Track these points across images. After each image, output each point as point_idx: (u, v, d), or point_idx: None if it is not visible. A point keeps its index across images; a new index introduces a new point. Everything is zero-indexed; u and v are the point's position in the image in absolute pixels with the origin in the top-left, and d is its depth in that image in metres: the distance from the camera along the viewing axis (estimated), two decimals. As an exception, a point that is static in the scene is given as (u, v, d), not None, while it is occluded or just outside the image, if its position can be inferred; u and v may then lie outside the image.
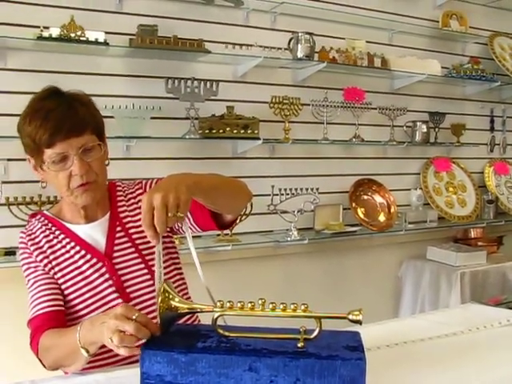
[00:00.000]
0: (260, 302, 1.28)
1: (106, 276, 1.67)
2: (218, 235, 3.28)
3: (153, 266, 1.61)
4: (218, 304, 1.29)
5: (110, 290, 1.66)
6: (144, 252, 1.72)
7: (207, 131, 3.20)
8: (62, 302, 1.65)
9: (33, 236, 1.71)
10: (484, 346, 1.67)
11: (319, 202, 3.55)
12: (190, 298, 1.84)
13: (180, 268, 1.86)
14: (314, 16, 3.61)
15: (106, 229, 1.73)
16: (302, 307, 1.27)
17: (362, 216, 3.87)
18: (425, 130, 4.10)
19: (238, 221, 2.97)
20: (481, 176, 4.60)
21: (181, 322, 1.40)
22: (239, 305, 1.28)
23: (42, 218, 1.75)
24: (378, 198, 3.99)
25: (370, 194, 3.97)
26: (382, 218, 3.96)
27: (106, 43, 2.87)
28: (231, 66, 3.43)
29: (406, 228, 3.98)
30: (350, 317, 1.26)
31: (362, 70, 3.82)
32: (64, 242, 1.70)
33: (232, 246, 3.23)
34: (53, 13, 2.87)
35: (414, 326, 1.89)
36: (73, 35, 2.78)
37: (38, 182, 2.87)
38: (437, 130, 4.21)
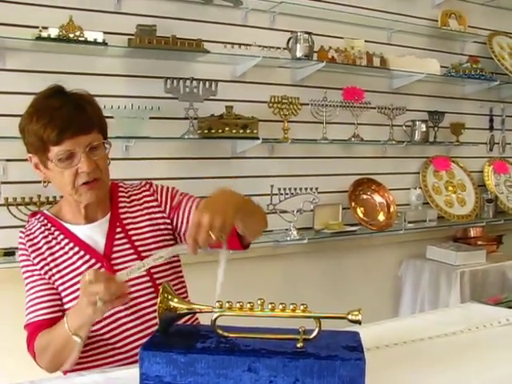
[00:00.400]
0: (259, 302, 1.28)
1: None
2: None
3: (150, 268, 1.58)
4: (217, 304, 1.29)
5: None
6: (143, 254, 1.71)
7: (206, 131, 3.20)
8: (58, 308, 1.66)
9: (32, 236, 1.71)
10: (484, 345, 1.67)
11: (318, 202, 3.55)
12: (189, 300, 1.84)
13: (180, 271, 1.85)
14: (312, 15, 3.61)
15: (106, 230, 1.73)
16: (301, 307, 1.27)
17: (361, 215, 3.87)
18: (424, 129, 4.09)
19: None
20: (480, 175, 4.60)
21: (181, 322, 1.40)
22: (238, 305, 1.28)
23: (42, 218, 1.75)
24: (378, 198, 3.99)
25: (369, 193, 3.97)
26: (381, 217, 3.96)
27: (104, 43, 2.87)
28: (230, 65, 3.42)
29: (406, 227, 3.98)
30: (350, 317, 1.26)
31: (361, 70, 3.82)
32: (63, 243, 1.69)
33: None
34: (51, 13, 2.86)
35: (414, 326, 1.89)
36: (71, 35, 2.78)
37: (37, 182, 2.88)
38: (436, 129, 4.20)
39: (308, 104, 3.59)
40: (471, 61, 4.28)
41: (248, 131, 3.28)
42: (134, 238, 1.74)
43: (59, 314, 1.64)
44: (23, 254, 1.71)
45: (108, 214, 1.75)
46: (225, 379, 1.21)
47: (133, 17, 3.09)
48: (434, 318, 1.99)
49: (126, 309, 1.65)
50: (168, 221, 1.80)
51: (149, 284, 1.70)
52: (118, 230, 1.73)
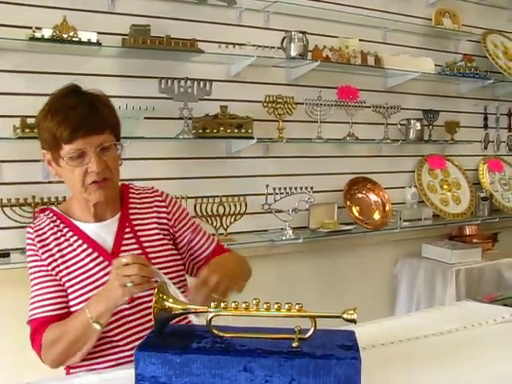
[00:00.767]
0: (254, 301, 1.28)
1: None
2: (213, 235, 3.26)
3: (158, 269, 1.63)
4: (213, 304, 1.29)
5: None
6: (150, 255, 1.74)
7: (201, 131, 3.19)
8: (63, 305, 1.67)
9: (40, 232, 1.73)
10: (479, 343, 1.67)
11: (314, 201, 3.55)
12: None
13: (182, 270, 1.87)
14: (307, 15, 3.61)
15: (115, 229, 1.75)
16: (297, 307, 1.27)
17: (356, 214, 3.87)
18: (419, 127, 4.10)
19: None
20: (475, 173, 4.61)
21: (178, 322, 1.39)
22: (233, 305, 1.28)
23: (51, 214, 1.76)
24: (373, 197, 3.99)
25: (364, 192, 3.97)
26: (376, 216, 3.96)
27: (98, 43, 2.86)
28: (224, 65, 3.42)
29: (401, 226, 3.98)
30: (345, 316, 1.26)
31: (355, 69, 3.82)
32: (71, 240, 1.71)
33: (227, 246, 3.23)
34: (45, 13, 2.85)
35: (410, 325, 1.89)
36: (65, 36, 2.77)
37: (31, 183, 2.88)
38: (431, 127, 4.21)
39: (303, 103, 3.59)
40: (465, 59, 4.28)
41: (243, 131, 3.28)
42: (143, 238, 1.77)
43: (64, 310, 1.66)
44: (31, 250, 1.72)
45: (118, 213, 1.78)
46: (220, 379, 1.21)
47: (127, 17, 3.08)
48: (430, 317, 1.99)
49: (130, 307, 1.66)
50: (172, 230, 1.85)
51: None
52: (127, 229, 1.76)
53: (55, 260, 1.69)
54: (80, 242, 1.71)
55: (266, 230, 3.56)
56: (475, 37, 4.44)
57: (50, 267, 1.69)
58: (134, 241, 1.75)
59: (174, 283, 1.73)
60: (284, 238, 3.46)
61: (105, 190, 1.67)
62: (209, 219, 3.26)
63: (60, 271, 1.68)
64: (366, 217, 3.92)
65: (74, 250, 1.70)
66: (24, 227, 2.80)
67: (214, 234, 3.25)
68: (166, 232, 1.83)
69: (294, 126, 3.61)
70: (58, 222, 1.74)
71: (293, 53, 3.48)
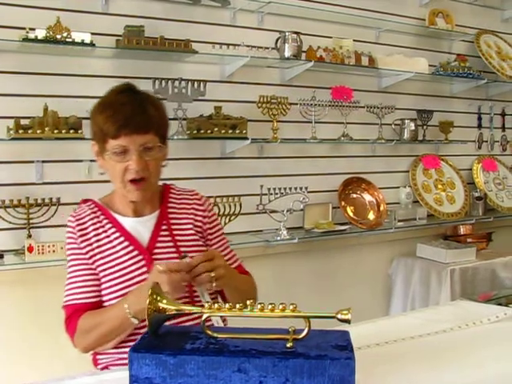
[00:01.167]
0: (248, 302, 1.28)
1: (144, 269, 1.74)
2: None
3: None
4: (207, 305, 1.29)
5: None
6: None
7: (195, 132, 3.19)
8: (97, 293, 1.75)
9: (81, 221, 1.80)
10: (474, 342, 1.67)
11: (308, 201, 3.55)
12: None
13: None
14: (301, 15, 3.61)
15: (153, 226, 1.82)
16: (291, 307, 1.27)
17: (351, 214, 3.87)
18: (413, 127, 4.10)
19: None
20: (469, 173, 4.62)
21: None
22: (227, 306, 1.28)
23: (93, 206, 1.84)
24: (367, 197, 4.00)
25: (359, 192, 3.98)
26: (371, 216, 3.97)
27: (92, 44, 2.86)
28: (218, 65, 3.42)
29: (396, 226, 3.99)
30: (339, 316, 1.26)
31: (349, 69, 3.83)
32: (109, 232, 1.78)
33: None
34: (38, 14, 2.84)
35: (405, 324, 1.89)
36: (59, 37, 2.77)
37: (25, 184, 2.87)
38: (425, 127, 4.22)
39: (297, 104, 3.59)
40: (459, 59, 4.29)
41: (237, 131, 3.28)
42: (178, 237, 1.83)
43: (97, 299, 1.75)
44: (70, 238, 1.79)
45: (157, 211, 1.85)
46: (215, 380, 1.20)
47: (120, 18, 3.07)
48: (425, 316, 1.99)
49: None
50: (205, 234, 1.92)
51: None
52: (164, 227, 1.82)
53: (92, 249, 1.76)
54: (117, 234, 1.78)
55: (260, 231, 3.56)
56: (469, 37, 4.45)
57: (87, 256, 1.76)
58: (169, 238, 1.81)
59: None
60: (279, 238, 3.46)
61: (142, 192, 1.74)
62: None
63: (96, 261, 1.76)
64: (361, 217, 3.92)
65: (111, 241, 1.77)
66: (17, 229, 2.83)
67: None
68: (200, 234, 1.89)
69: (288, 126, 3.61)
70: (99, 213, 1.81)
71: (287, 53, 3.48)
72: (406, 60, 4.02)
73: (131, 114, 1.67)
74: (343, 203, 3.85)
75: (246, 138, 3.29)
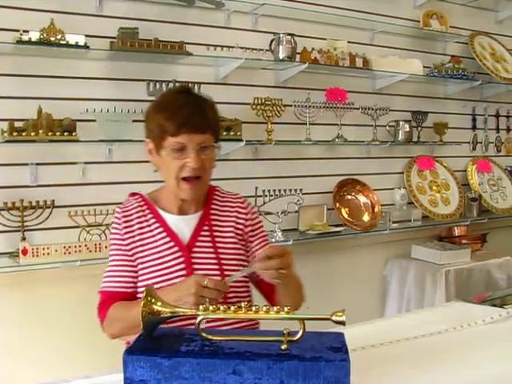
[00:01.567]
0: (243, 304, 1.28)
1: (182, 266, 1.79)
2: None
3: (225, 270, 1.80)
4: (202, 307, 1.29)
5: (181, 278, 1.76)
6: (221, 256, 1.85)
7: (190, 133, 3.18)
8: (132, 284, 1.83)
9: (127, 213, 1.87)
10: (468, 343, 1.68)
11: (303, 203, 3.55)
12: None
13: (249, 286, 1.95)
14: (295, 17, 3.61)
15: (195, 225, 1.87)
16: (286, 309, 1.27)
17: (346, 216, 3.88)
18: (407, 129, 4.11)
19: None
20: (464, 174, 4.62)
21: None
22: (222, 308, 1.28)
23: (140, 199, 1.91)
24: (362, 198, 4.00)
25: (353, 193, 3.98)
26: (366, 217, 3.97)
27: (86, 46, 2.85)
28: (213, 67, 3.41)
29: (391, 227, 3.99)
30: (334, 318, 1.26)
31: (343, 71, 3.83)
32: (153, 227, 1.85)
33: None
34: (32, 16, 2.84)
35: (400, 325, 1.90)
36: (53, 39, 2.76)
37: (19, 187, 2.86)
38: (419, 129, 4.22)
39: (291, 105, 3.60)
40: (453, 61, 4.30)
41: (231, 133, 3.27)
42: (217, 239, 1.87)
43: (132, 290, 1.82)
44: (116, 228, 1.87)
45: (200, 211, 1.90)
46: (209, 382, 1.20)
47: (114, 20, 3.07)
48: (420, 318, 1.99)
49: None
50: (246, 237, 1.94)
51: (218, 278, 1.78)
52: (205, 227, 1.88)
53: (134, 242, 1.83)
54: (160, 229, 1.84)
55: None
56: (463, 38, 4.46)
57: (128, 247, 1.83)
58: (209, 239, 1.86)
59: (239, 287, 1.86)
60: (274, 240, 3.45)
61: (195, 191, 1.81)
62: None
63: (136, 253, 1.82)
64: (356, 218, 3.92)
65: (154, 235, 1.83)
66: (12, 231, 2.82)
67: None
68: (240, 237, 1.92)
69: (282, 128, 3.61)
70: (145, 207, 1.88)
71: (281, 55, 3.48)
72: (400, 61, 4.03)
73: (191, 113, 1.75)
74: (338, 205, 3.86)
75: (241, 140, 3.29)
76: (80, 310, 2.90)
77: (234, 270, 1.81)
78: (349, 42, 3.83)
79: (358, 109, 3.91)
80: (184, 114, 1.74)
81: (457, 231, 4.34)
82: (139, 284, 1.81)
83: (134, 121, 3.03)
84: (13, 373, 2.72)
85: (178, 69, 3.27)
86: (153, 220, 1.86)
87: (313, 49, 3.65)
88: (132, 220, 1.85)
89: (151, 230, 1.84)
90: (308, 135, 3.67)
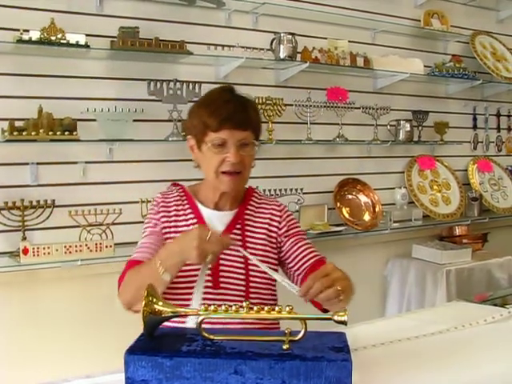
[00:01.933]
0: (245, 304, 1.27)
1: None
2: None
3: (251, 270, 1.82)
4: (203, 307, 1.28)
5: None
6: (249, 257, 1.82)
7: (190, 133, 3.18)
8: None
9: (167, 200, 1.93)
10: (470, 343, 1.67)
11: (304, 203, 3.55)
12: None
13: (275, 292, 1.94)
14: (295, 16, 3.61)
15: (228, 222, 1.90)
16: (287, 309, 1.26)
17: (346, 216, 3.87)
18: (408, 128, 4.11)
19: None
20: (465, 174, 4.62)
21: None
22: (224, 308, 1.27)
23: (180, 190, 1.96)
24: (363, 198, 3.99)
25: (354, 193, 3.98)
26: (366, 217, 3.97)
27: (86, 46, 2.85)
28: (213, 67, 3.41)
29: (391, 227, 3.99)
30: (335, 318, 1.25)
31: (344, 70, 3.83)
32: (188, 216, 1.89)
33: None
34: (33, 15, 2.83)
35: (401, 325, 1.89)
36: (53, 38, 2.76)
37: (20, 186, 2.86)
38: (420, 128, 4.22)
39: (292, 105, 3.59)
40: (454, 60, 4.30)
41: (232, 133, 3.26)
42: (248, 239, 1.89)
43: None
44: (153, 209, 1.93)
45: (235, 210, 1.93)
46: (211, 382, 1.20)
47: (115, 19, 3.07)
48: (421, 317, 1.99)
49: (214, 281, 1.81)
50: (279, 239, 1.95)
51: (242, 277, 1.84)
52: (238, 226, 1.90)
53: (169, 227, 1.88)
54: (195, 221, 1.87)
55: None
56: (464, 38, 4.45)
57: (162, 231, 1.88)
58: (239, 238, 1.87)
59: (264, 294, 1.87)
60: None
61: (234, 183, 1.83)
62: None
63: (168, 238, 1.86)
64: (356, 218, 3.92)
65: (187, 226, 1.87)
66: (12, 231, 2.82)
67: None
68: (273, 240, 1.93)
69: (283, 127, 3.61)
70: (184, 198, 1.93)
71: (282, 54, 3.47)
72: (401, 61, 4.03)
73: (233, 110, 1.78)
74: (339, 204, 3.85)
75: (242, 140, 3.28)
76: (80, 309, 2.91)
77: (260, 272, 1.80)
78: (350, 41, 3.83)
79: (359, 108, 3.91)
80: (227, 110, 1.78)
81: (458, 231, 4.33)
82: None
83: (134, 120, 3.03)
84: (13, 373, 2.71)
85: (178, 68, 3.27)
86: (189, 210, 1.90)
87: (313, 48, 3.64)
88: (170, 207, 1.90)
89: (186, 220, 1.88)
90: (309, 135, 3.67)
